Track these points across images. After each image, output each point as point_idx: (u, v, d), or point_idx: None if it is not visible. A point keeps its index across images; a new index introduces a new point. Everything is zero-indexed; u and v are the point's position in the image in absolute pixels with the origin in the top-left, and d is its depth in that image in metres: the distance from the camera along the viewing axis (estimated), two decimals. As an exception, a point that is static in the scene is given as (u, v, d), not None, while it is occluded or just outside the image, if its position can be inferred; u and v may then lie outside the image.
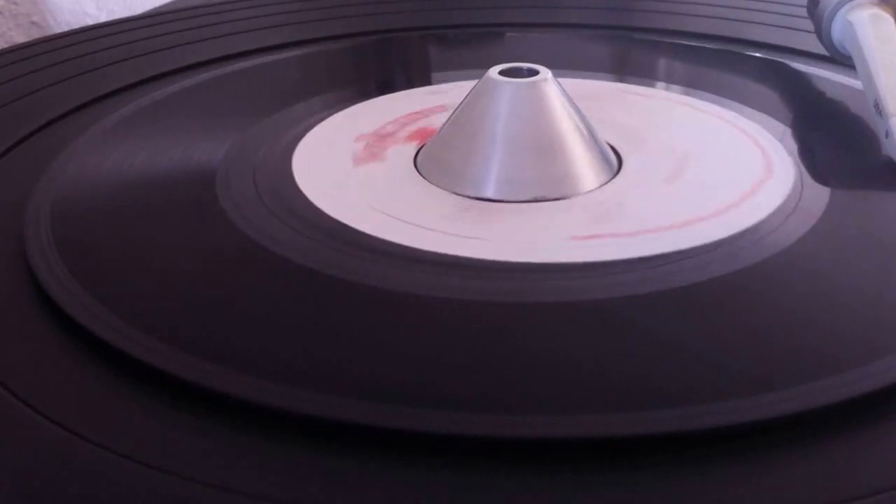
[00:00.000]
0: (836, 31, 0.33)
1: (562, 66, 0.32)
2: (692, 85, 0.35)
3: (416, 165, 0.28)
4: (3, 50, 0.41)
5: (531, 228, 0.24)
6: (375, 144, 0.29)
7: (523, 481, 0.15)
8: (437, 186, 0.26)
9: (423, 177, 0.27)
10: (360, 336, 0.19)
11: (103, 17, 0.59)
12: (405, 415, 0.16)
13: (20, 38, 0.55)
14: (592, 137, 0.27)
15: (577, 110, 0.27)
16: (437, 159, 0.27)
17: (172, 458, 0.16)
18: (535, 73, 0.28)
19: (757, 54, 0.39)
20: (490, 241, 0.23)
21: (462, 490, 0.15)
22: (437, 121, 0.30)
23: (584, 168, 0.26)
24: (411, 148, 0.29)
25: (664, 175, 0.27)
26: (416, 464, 0.15)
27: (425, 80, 0.37)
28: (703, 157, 0.28)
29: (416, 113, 0.32)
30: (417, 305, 0.20)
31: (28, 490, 0.15)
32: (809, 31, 0.36)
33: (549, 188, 0.26)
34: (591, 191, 0.26)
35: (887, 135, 0.27)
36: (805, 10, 0.36)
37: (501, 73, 0.27)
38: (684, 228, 0.23)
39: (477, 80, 0.28)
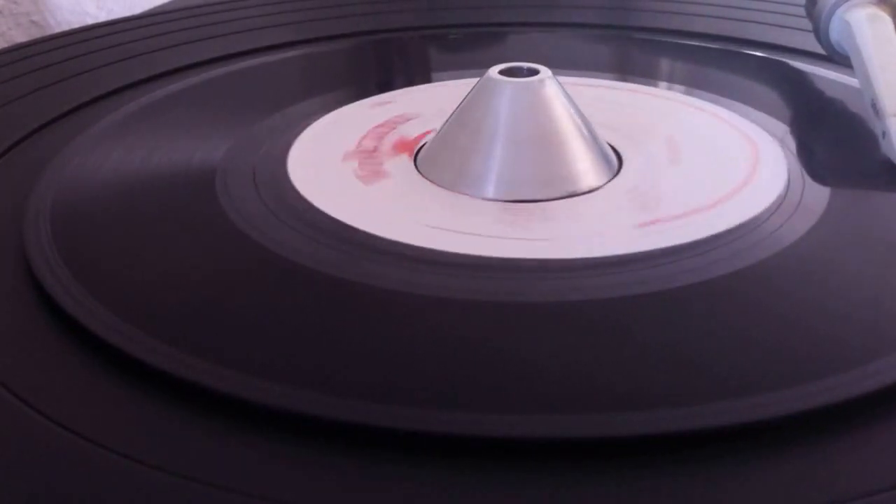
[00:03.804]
0: (834, 31, 0.33)
1: (562, 65, 0.32)
2: (692, 84, 0.35)
3: (416, 165, 0.28)
4: (3, 49, 0.41)
5: (523, 228, 0.24)
6: (369, 162, 0.29)
7: (521, 481, 0.15)
8: (437, 185, 0.26)
9: (424, 176, 0.27)
10: (361, 336, 0.19)
11: (103, 17, 0.59)
12: (405, 415, 0.16)
13: (20, 37, 0.55)
14: (592, 137, 0.27)
15: (577, 110, 0.27)
16: (438, 158, 0.27)
17: (172, 457, 0.16)
18: (536, 72, 0.28)
19: (756, 53, 0.39)
20: (488, 240, 0.23)
21: (462, 490, 0.15)
22: (411, 130, 0.30)
23: (584, 168, 0.26)
24: (405, 159, 0.29)
25: (661, 176, 0.27)
26: (417, 464, 0.16)
27: (425, 80, 0.37)
28: (704, 159, 0.28)
29: (381, 126, 0.31)
30: (418, 305, 0.20)
31: (28, 490, 0.15)
32: (809, 31, 0.36)
33: (550, 187, 0.26)
34: (594, 189, 0.26)
35: (884, 135, 0.27)
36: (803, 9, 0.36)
37: (501, 72, 0.27)
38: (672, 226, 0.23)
39: (477, 80, 0.28)
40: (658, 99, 0.34)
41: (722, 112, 0.32)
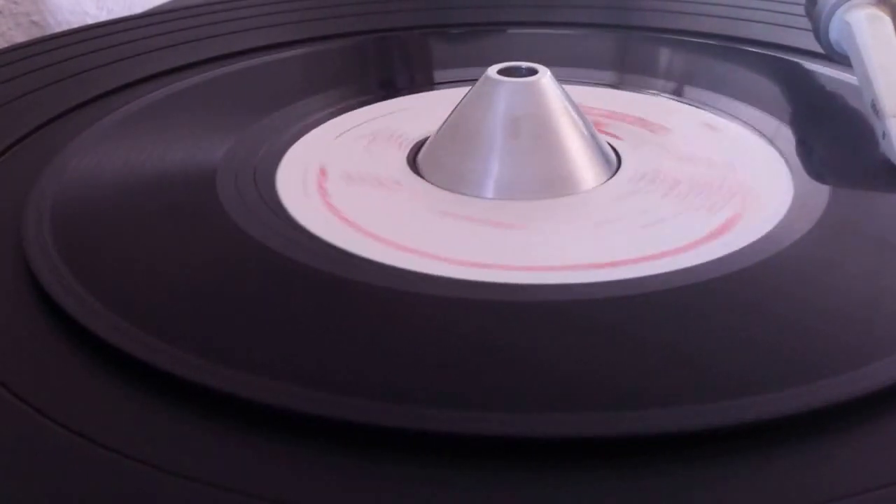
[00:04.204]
0: (834, 31, 0.33)
1: (562, 65, 0.32)
2: (691, 83, 0.35)
3: (415, 164, 0.28)
4: (2, 49, 0.41)
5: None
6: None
7: (521, 481, 0.15)
8: (437, 186, 0.26)
9: (423, 177, 0.27)
10: (361, 335, 0.19)
11: (103, 17, 0.59)
12: (405, 414, 0.16)
13: (20, 37, 0.55)
14: (592, 136, 0.27)
15: (577, 109, 0.27)
16: (437, 159, 0.27)
17: (172, 457, 0.16)
18: (534, 72, 0.28)
19: (757, 52, 0.39)
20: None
21: (462, 490, 0.15)
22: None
23: (584, 167, 0.26)
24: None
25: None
26: (417, 464, 0.16)
27: (426, 79, 0.37)
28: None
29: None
30: (418, 305, 0.20)
31: (28, 490, 0.15)
32: (809, 30, 0.36)
33: (549, 187, 0.26)
34: (594, 189, 0.26)
35: (884, 135, 0.27)
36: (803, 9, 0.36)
37: (500, 72, 0.27)
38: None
39: (476, 79, 0.28)
40: (658, 98, 0.34)
41: (721, 112, 0.32)
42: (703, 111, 0.32)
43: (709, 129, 0.31)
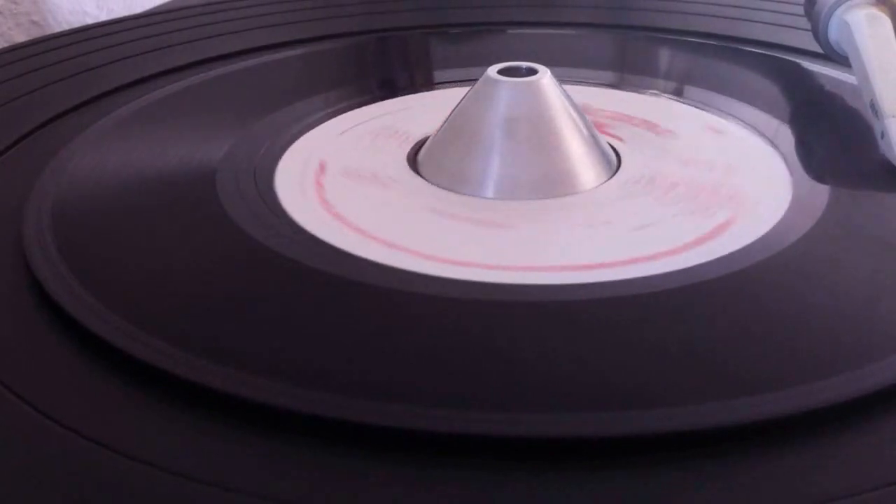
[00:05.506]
0: (833, 31, 0.33)
1: (562, 65, 0.32)
2: (691, 83, 0.35)
3: (415, 164, 0.28)
4: (3, 49, 0.41)
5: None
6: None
7: (519, 480, 0.15)
8: (437, 186, 0.26)
9: (423, 176, 0.27)
10: (361, 336, 0.19)
11: (103, 17, 0.59)
12: (406, 414, 0.16)
13: (20, 37, 0.55)
14: (592, 136, 0.27)
15: (577, 109, 0.27)
16: (437, 159, 0.27)
17: (172, 457, 0.16)
18: (534, 71, 0.28)
19: (756, 51, 0.39)
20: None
21: (462, 490, 0.15)
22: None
23: (584, 167, 0.26)
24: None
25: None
26: (417, 464, 0.16)
27: (426, 79, 0.37)
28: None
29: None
30: (418, 305, 0.20)
31: (28, 490, 0.15)
32: (808, 30, 0.36)
33: (549, 187, 0.26)
34: (593, 189, 0.26)
35: (883, 135, 0.27)
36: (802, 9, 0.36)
37: (500, 72, 0.27)
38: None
39: (476, 79, 0.28)
40: (658, 98, 0.34)
41: (721, 112, 0.32)
42: (706, 113, 0.32)
43: (712, 131, 0.31)
